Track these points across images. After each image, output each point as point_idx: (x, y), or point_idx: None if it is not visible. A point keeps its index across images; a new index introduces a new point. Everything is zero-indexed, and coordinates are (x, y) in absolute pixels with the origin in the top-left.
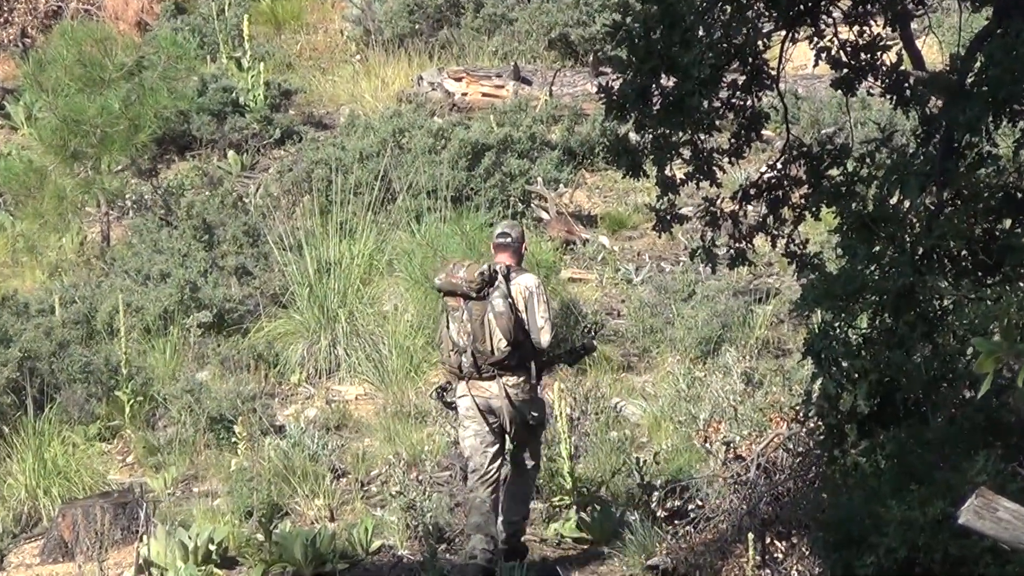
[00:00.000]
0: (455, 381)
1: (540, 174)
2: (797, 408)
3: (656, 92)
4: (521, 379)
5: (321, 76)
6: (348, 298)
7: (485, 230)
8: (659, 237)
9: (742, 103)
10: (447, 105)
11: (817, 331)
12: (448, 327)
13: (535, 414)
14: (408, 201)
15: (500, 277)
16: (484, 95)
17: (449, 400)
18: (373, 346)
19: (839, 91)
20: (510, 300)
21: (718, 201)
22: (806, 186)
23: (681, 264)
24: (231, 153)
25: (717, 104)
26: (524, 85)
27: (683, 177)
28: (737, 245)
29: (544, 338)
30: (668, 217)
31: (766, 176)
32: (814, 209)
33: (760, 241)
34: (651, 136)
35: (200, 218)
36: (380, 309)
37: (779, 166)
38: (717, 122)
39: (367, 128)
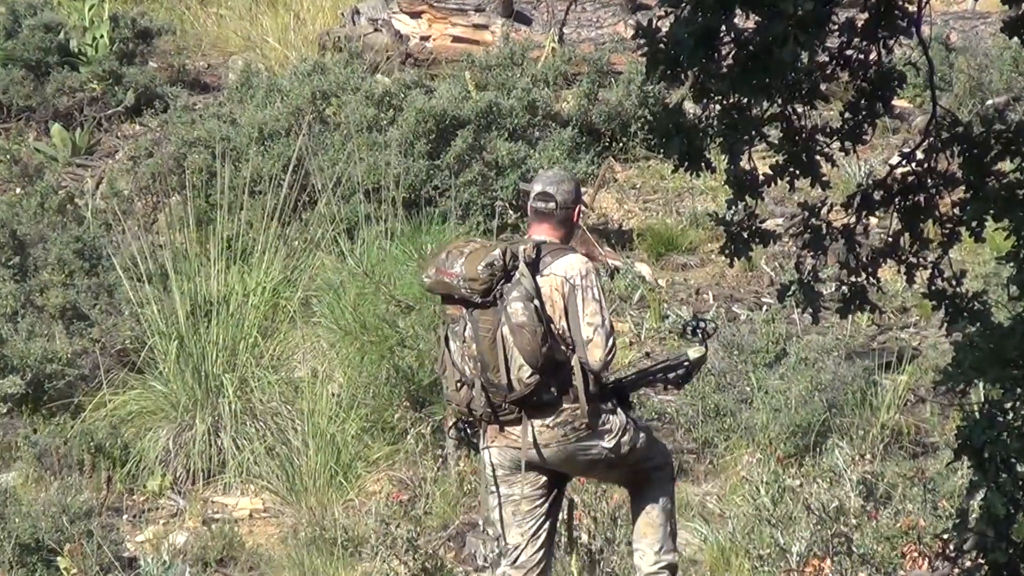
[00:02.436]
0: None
1: (544, 165)
2: (946, 536)
3: (728, 38)
4: (560, 420)
5: (199, 9)
6: (239, 358)
7: None
8: (730, 266)
9: (862, 56)
10: (398, 55)
11: (978, 416)
12: (448, 347)
13: (608, 446)
14: (336, 206)
15: (522, 265)
16: (456, 40)
17: (475, 441)
18: (278, 434)
19: (1015, 38)
20: (536, 303)
21: (823, 210)
22: (962, 188)
23: (765, 308)
24: (56, 128)
25: (824, 57)
26: (519, 26)
27: (768, 172)
28: (853, 280)
29: (595, 356)
30: (745, 235)
31: (899, 172)
32: (974, 224)
33: (889, 274)
34: (719, 107)
35: (7, 230)
36: (290, 375)
37: (919, 156)
38: (823, 86)
39: (271, 91)
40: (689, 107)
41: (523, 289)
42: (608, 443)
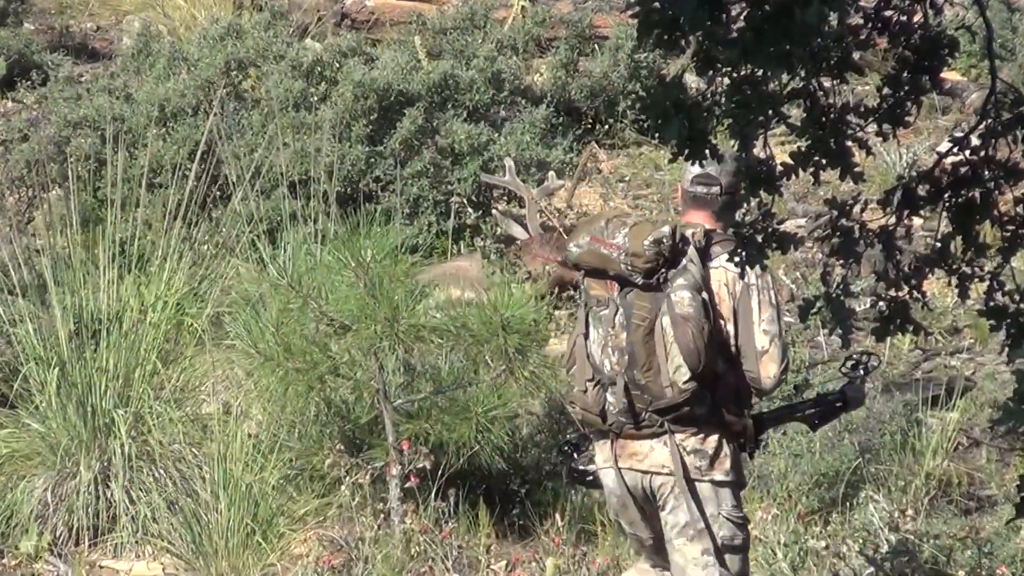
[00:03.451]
0: (594, 438)
1: (511, 152)
2: None
3: None
4: (713, 440)
5: None
6: (134, 389)
7: (405, 259)
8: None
9: (904, 18)
10: (332, 15)
11: None
12: (587, 335)
13: (727, 520)
14: (254, 202)
15: (691, 250)
16: None
17: (582, 468)
18: (182, 484)
19: None
20: (704, 295)
21: (856, 208)
22: None
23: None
24: None
25: (857, 19)
26: None
27: (789, 161)
28: (892, 294)
29: (768, 371)
30: (759, 238)
31: (948, 161)
32: None
33: (936, 287)
34: (728, 81)
35: None
36: (197, 411)
37: (975, 141)
38: (856, 55)
39: (175, 60)
40: (691, 80)
41: (691, 277)
42: (726, 508)
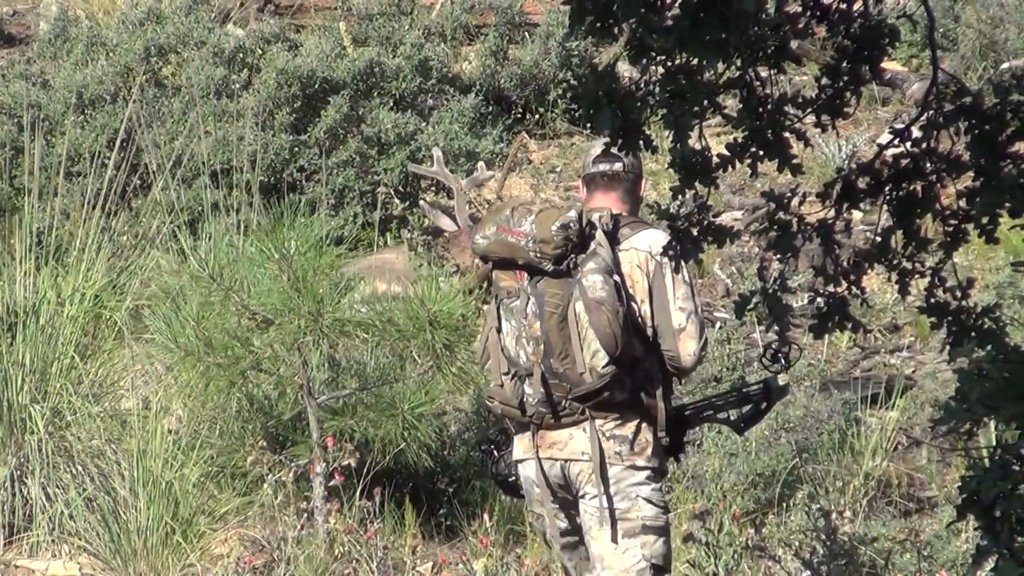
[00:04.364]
0: (514, 431)
1: (440, 141)
2: None
3: None
4: (632, 425)
5: None
6: (51, 383)
7: (330, 252)
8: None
9: (844, 6)
10: (254, 0)
11: (988, 465)
12: (499, 328)
13: (647, 501)
14: (175, 192)
15: (599, 234)
16: None
17: (504, 472)
18: (101, 481)
19: None
20: (616, 278)
21: (794, 201)
22: (969, 174)
23: (719, 325)
24: None
25: (795, 7)
26: None
27: (725, 153)
28: (831, 290)
29: (687, 349)
30: (694, 231)
31: (889, 153)
32: (984, 220)
33: (876, 283)
34: (662, 70)
35: None
36: (115, 406)
37: (916, 133)
38: (794, 44)
39: (94, 45)
40: (624, 69)
41: (601, 261)
42: (645, 491)
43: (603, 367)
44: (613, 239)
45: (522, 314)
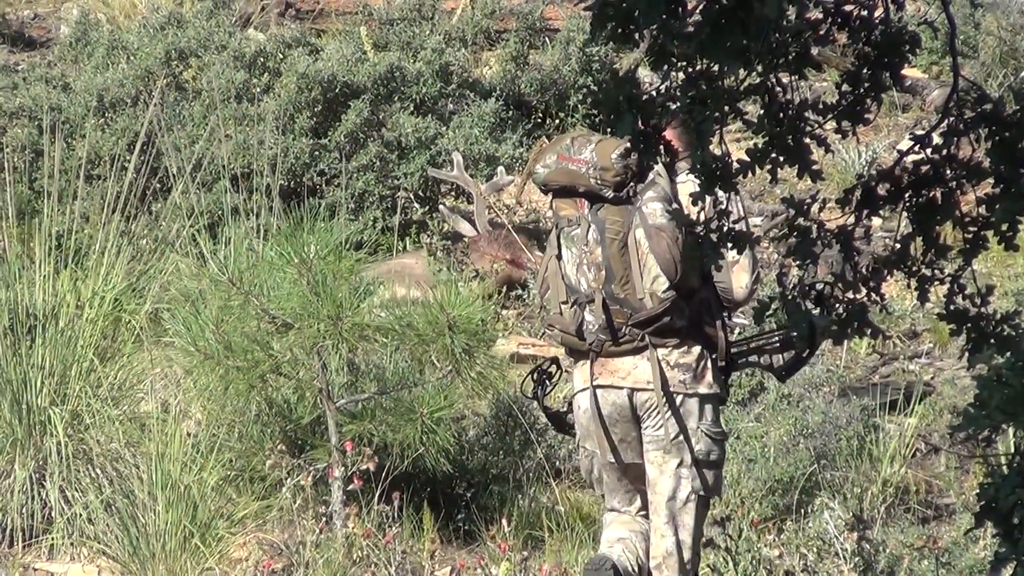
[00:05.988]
0: (570, 362)
1: (460, 146)
2: None
3: None
4: (696, 352)
5: None
6: (71, 387)
7: (349, 256)
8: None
9: (865, 13)
10: (276, 5)
11: (1006, 472)
12: (560, 255)
13: (704, 434)
14: (195, 196)
15: (659, 166)
16: None
17: (556, 409)
18: (119, 484)
19: None
20: (677, 206)
21: (814, 208)
22: (989, 181)
23: (738, 331)
24: None
25: (816, 14)
26: None
27: (745, 158)
28: (850, 296)
29: (740, 281)
30: (714, 237)
31: (909, 160)
32: (1004, 227)
33: (896, 289)
34: (683, 76)
35: None
36: (135, 409)
37: (936, 140)
38: (815, 50)
39: (115, 49)
40: (645, 75)
41: (660, 190)
42: (706, 423)
43: (663, 292)
44: (670, 171)
45: (583, 241)
